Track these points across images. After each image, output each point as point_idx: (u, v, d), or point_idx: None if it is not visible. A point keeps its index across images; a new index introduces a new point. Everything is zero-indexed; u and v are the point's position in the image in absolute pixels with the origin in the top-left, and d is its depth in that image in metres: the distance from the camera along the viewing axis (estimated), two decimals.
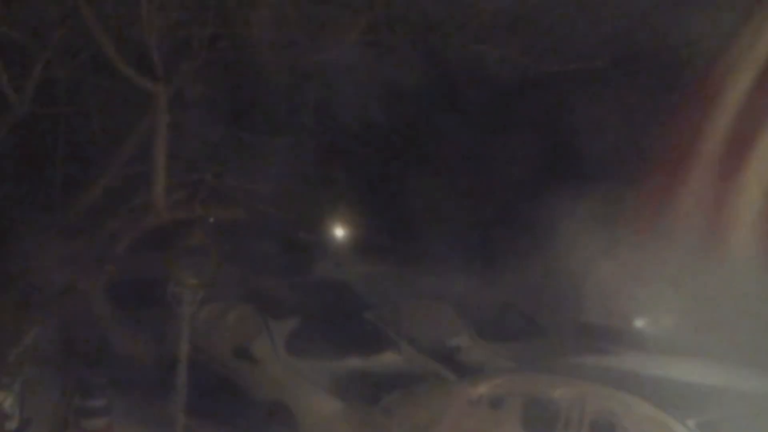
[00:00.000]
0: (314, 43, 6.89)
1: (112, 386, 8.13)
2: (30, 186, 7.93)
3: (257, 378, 9.08)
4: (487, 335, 10.46)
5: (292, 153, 8.15)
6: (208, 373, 9.27)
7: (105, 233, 6.95)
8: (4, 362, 6.64)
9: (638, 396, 5.90)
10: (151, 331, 10.48)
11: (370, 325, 10.15)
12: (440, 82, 10.98)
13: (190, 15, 6.58)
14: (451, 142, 14.40)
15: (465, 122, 14.08)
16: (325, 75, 7.79)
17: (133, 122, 7.07)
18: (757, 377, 6.47)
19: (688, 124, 9.89)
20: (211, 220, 9.00)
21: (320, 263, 14.96)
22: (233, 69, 7.69)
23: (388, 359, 9.48)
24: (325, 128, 8.48)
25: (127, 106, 7.21)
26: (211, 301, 9.37)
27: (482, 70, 7.75)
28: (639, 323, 9.77)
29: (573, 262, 9.84)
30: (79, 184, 7.33)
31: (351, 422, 8.05)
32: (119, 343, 10.74)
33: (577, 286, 10.53)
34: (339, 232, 15.68)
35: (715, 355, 7.40)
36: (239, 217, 7.91)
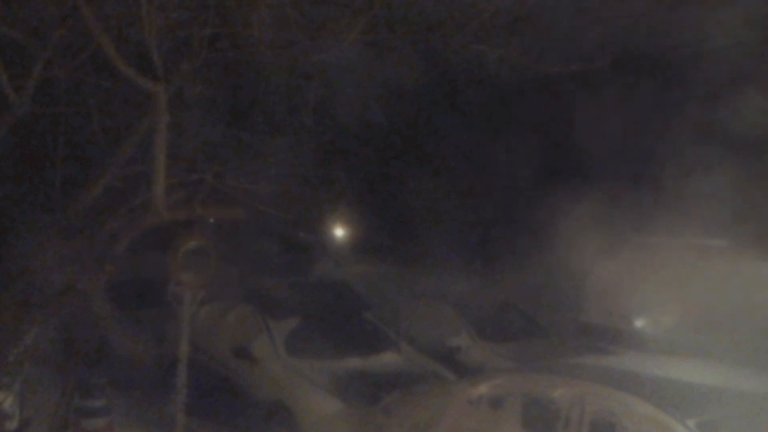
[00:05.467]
0: (314, 43, 6.87)
1: (112, 386, 8.14)
2: (30, 186, 7.92)
3: (257, 378, 9.09)
4: (487, 335, 10.47)
5: (292, 153, 8.15)
6: (208, 373, 9.27)
7: (105, 233, 6.94)
8: (4, 362, 6.63)
9: (638, 396, 5.89)
10: (151, 331, 10.49)
11: (370, 325, 10.16)
12: (440, 82, 10.98)
13: (190, 15, 6.56)
14: (451, 142, 14.41)
15: (465, 122, 14.09)
16: (325, 75, 7.78)
17: (133, 122, 7.07)
18: (757, 377, 6.47)
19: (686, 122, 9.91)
20: (211, 220, 9.00)
21: (320, 263, 14.98)
22: (233, 69, 7.69)
23: (388, 359, 9.49)
24: (325, 128, 8.47)
25: (127, 106, 7.20)
26: (211, 301, 9.39)
27: (482, 70, 7.74)
28: (639, 323, 9.77)
29: (573, 262, 9.85)
30: (79, 184, 7.32)
31: (351, 422, 8.05)
32: (119, 343, 10.75)
33: (577, 286, 10.54)
34: (339, 232, 15.70)
35: (715, 355, 7.40)
36: (239, 217, 7.89)
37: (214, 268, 7.92)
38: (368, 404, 8.05)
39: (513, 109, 13.29)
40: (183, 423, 7.87)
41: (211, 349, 9.61)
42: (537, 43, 7.14)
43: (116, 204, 7.14)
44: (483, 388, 6.87)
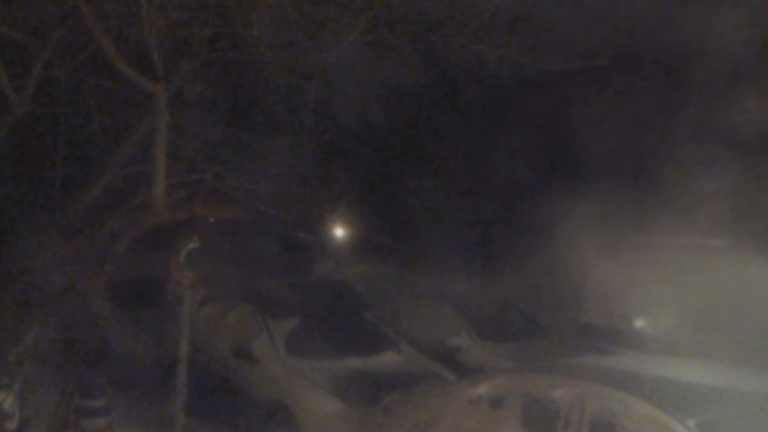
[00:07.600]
0: (314, 43, 6.88)
1: (112, 386, 8.15)
2: (30, 186, 7.93)
3: (257, 378, 9.09)
4: (487, 335, 10.47)
5: (292, 153, 8.15)
6: (208, 373, 9.28)
7: (105, 233, 6.95)
8: (4, 362, 6.64)
9: (638, 396, 5.90)
10: (151, 331, 10.49)
11: (370, 325, 10.16)
12: (440, 82, 10.98)
13: (190, 15, 6.57)
14: (451, 142, 14.41)
15: (465, 122, 14.09)
16: (325, 75, 7.79)
17: (133, 122, 7.07)
18: (757, 377, 6.47)
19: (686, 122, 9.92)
20: (211, 220, 9.01)
21: (320, 263, 14.96)
22: (233, 69, 7.69)
23: (388, 359, 9.49)
24: (325, 128, 8.47)
25: (127, 106, 7.21)
26: (211, 301, 9.39)
27: (482, 70, 7.75)
28: (639, 323, 9.77)
29: (573, 262, 9.85)
30: (79, 184, 7.32)
31: (351, 422, 8.05)
32: (119, 343, 10.75)
33: (577, 286, 10.54)
34: (339, 232, 15.67)
35: (715, 355, 7.40)
36: (239, 217, 7.90)
37: (214, 268, 7.92)
38: (368, 404, 8.05)
39: (513, 109, 13.28)
40: (183, 423, 7.87)
41: (211, 349, 9.62)
42: (537, 42, 7.15)
43: (116, 204, 7.14)
44: (483, 388, 6.87)
